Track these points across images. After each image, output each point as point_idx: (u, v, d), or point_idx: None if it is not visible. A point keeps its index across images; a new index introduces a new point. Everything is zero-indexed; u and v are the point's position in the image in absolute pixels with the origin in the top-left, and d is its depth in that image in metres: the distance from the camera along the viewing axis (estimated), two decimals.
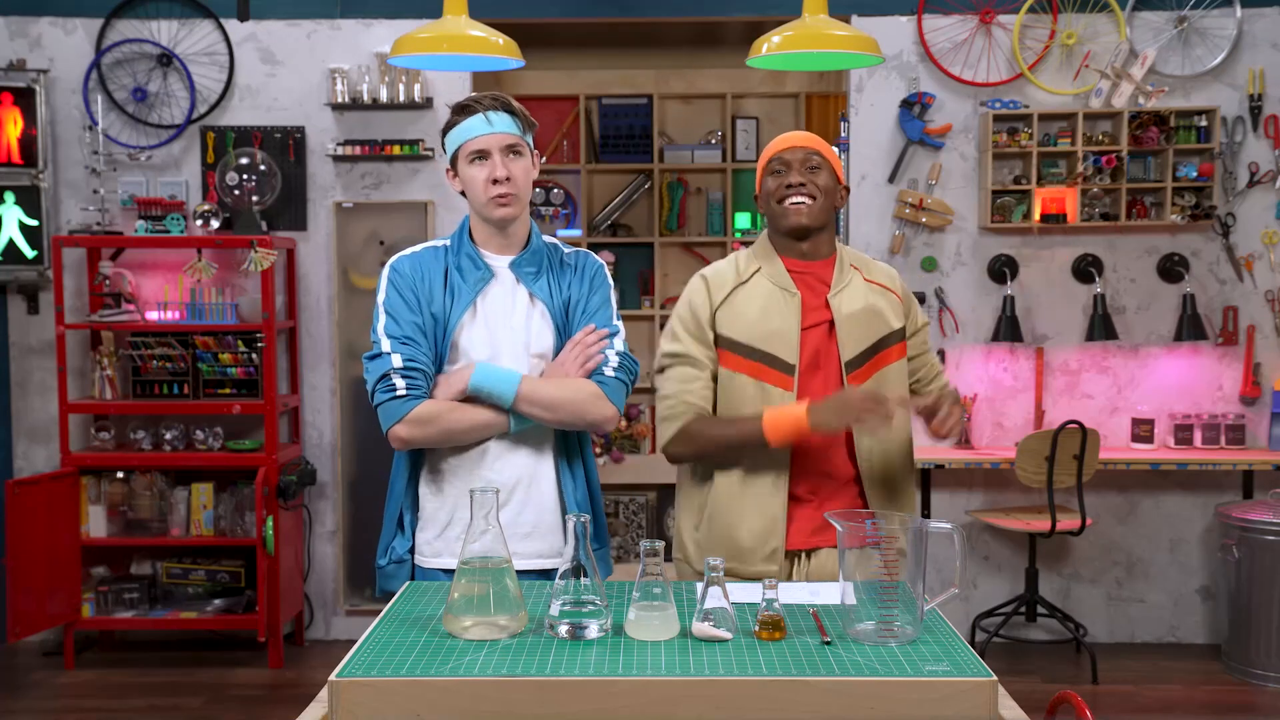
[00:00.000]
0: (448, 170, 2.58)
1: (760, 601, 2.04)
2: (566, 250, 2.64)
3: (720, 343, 2.59)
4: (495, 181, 2.48)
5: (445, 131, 2.55)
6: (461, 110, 2.51)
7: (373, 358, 2.49)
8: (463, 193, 2.57)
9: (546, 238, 2.65)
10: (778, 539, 2.56)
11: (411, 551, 2.56)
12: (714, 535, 2.61)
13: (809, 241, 2.59)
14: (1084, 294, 5.40)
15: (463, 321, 2.50)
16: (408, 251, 2.59)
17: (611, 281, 2.64)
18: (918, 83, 5.38)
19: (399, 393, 2.43)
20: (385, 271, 2.56)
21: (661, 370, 2.66)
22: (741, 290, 2.60)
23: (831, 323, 2.56)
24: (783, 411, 2.47)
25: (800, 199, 2.56)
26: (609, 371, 2.53)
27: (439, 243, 2.61)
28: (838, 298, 2.57)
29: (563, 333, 2.55)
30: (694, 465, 2.66)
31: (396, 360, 2.44)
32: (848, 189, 2.71)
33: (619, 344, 2.57)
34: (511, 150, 2.50)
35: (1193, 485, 5.43)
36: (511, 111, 2.51)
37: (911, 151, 5.40)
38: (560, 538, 2.55)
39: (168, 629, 5.32)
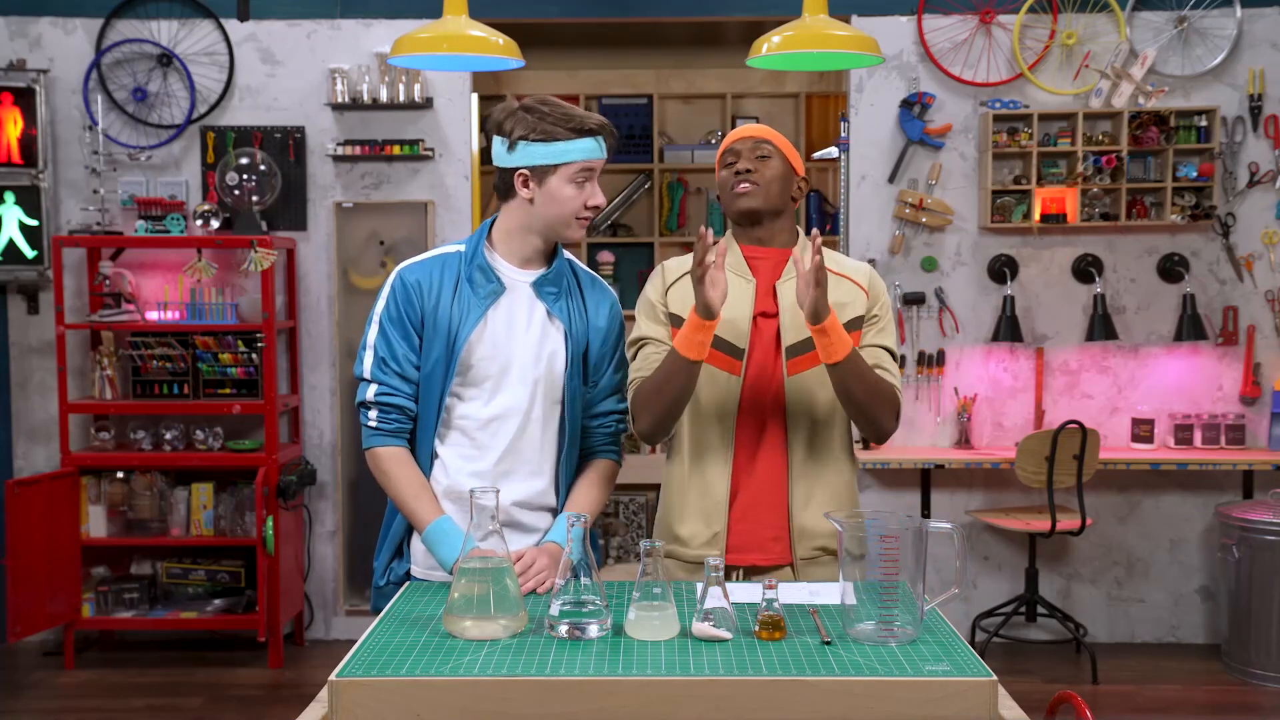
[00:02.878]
0: (519, 174, 2.43)
1: (760, 601, 2.04)
2: (580, 269, 2.62)
3: (674, 321, 2.59)
4: (593, 206, 2.47)
5: (529, 139, 2.41)
6: (580, 131, 2.43)
7: (359, 378, 2.51)
8: (529, 199, 2.45)
9: (565, 251, 2.60)
10: (719, 524, 2.55)
11: (408, 574, 2.55)
12: (660, 521, 2.67)
13: (763, 227, 2.59)
14: (1084, 294, 5.40)
15: (472, 336, 2.46)
16: (418, 259, 2.54)
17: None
18: (918, 83, 5.38)
19: (370, 423, 2.49)
20: (391, 279, 2.51)
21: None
22: None
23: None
24: (684, 328, 2.47)
25: (745, 184, 2.56)
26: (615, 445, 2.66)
27: (452, 249, 2.54)
28: (786, 284, 2.57)
29: (578, 361, 2.53)
30: (667, 450, 2.69)
31: (370, 393, 2.48)
32: (807, 182, 2.67)
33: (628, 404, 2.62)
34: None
35: (1193, 485, 5.43)
36: (613, 140, 2.52)
37: (911, 151, 5.40)
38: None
39: (168, 629, 5.32)
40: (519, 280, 2.51)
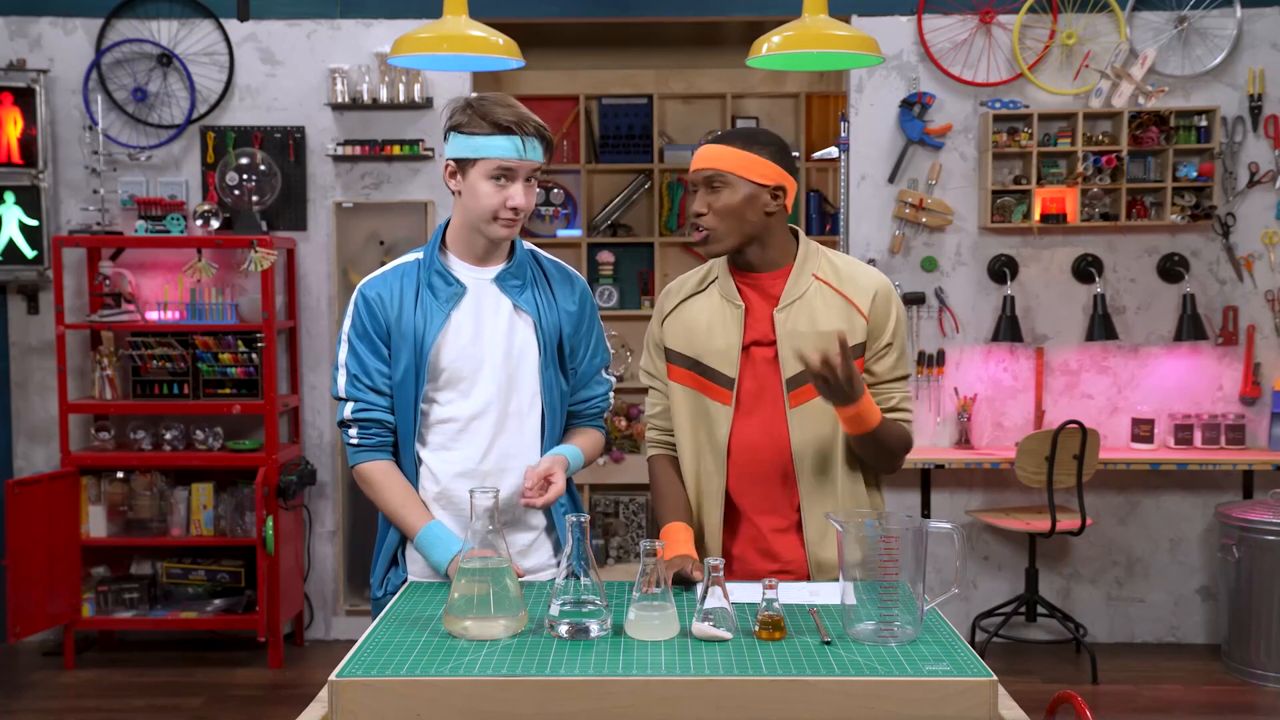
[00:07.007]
0: (448, 165, 2.45)
1: (760, 601, 2.04)
2: (545, 258, 2.61)
3: (667, 355, 2.58)
4: (511, 208, 2.43)
5: (460, 131, 2.42)
6: (498, 128, 2.39)
7: (336, 397, 2.55)
8: (456, 192, 2.47)
9: (525, 243, 2.60)
10: (716, 555, 2.53)
11: (404, 583, 2.55)
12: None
13: (744, 256, 2.49)
14: (1084, 294, 5.40)
15: (439, 340, 2.47)
16: (377, 273, 2.56)
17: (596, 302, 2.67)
18: (918, 83, 5.38)
19: (352, 441, 2.51)
20: (354, 296, 2.54)
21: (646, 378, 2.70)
22: (694, 301, 2.56)
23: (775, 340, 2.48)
24: (673, 535, 2.48)
25: (699, 232, 2.46)
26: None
27: (411, 258, 2.55)
28: (783, 312, 2.46)
29: (552, 350, 2.52)
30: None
31: (348, 410, 2.50)
32: (784, 188, 2.45)
33: (610, 381, 2.69)
34: (532, 177, 2.45)
35: (1193, 485, 5.43)
36: (547, 142, 2.45)
37: (911, 151, 5.40)
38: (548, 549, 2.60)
39: (168, 629, 5.32)
40: (479, 278, 2.51)
